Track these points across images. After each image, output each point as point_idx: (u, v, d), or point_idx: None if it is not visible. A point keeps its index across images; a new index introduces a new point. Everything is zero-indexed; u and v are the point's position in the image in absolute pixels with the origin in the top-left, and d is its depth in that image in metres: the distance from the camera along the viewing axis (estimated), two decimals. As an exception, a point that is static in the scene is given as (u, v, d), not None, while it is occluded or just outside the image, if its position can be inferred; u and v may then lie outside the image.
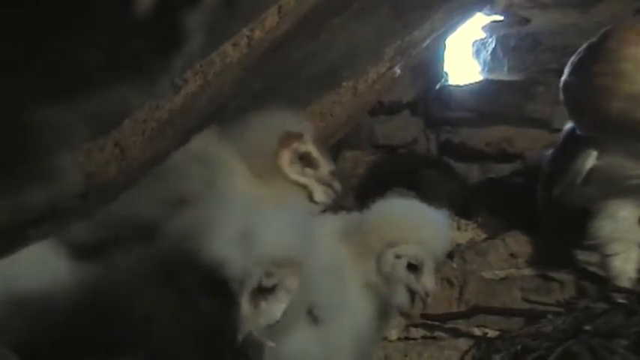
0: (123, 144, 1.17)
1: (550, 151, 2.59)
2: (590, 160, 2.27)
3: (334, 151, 2.97)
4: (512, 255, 2.53)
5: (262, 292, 1.23)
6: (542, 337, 1.97)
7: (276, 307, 1.24)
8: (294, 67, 1.74)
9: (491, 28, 3.46)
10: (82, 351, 1.28)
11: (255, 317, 1.21)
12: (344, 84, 1.97)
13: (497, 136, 3.25)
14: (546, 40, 3.29)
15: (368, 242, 1.61)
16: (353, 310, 1.58)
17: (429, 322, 2.26)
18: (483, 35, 3.49)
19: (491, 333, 2.20)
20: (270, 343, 1.23)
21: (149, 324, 1.29)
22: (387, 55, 1.99)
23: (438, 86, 3.36)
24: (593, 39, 2.30)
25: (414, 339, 2.24)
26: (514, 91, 3.27)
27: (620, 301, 2.05)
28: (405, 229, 1.63)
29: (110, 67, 0.60)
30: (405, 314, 1.72)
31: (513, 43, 3.37)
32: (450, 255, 2.41)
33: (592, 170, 2.28)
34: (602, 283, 2.32)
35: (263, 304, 1.23)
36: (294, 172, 1.66)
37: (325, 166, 1.70)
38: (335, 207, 1.79)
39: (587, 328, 1.88)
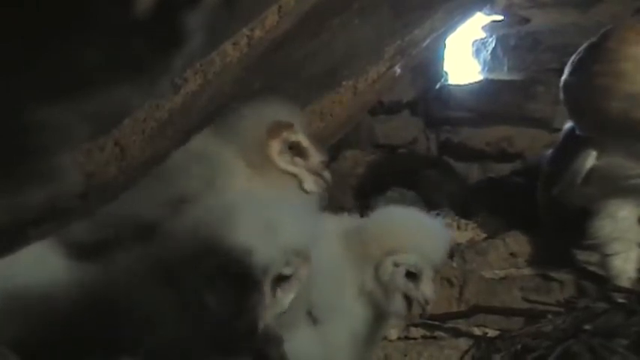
0: (123, 143, 1.17)
1: (550, 151, 2.59)
2: (590, 159, 2.27)
3: (334, 151, 2.97)
4: (512, 254, 2.53)
5: (279, 280, 1.23)
6: (542, 336, 1.97)
7: (286, 297, 1.25)
8: (294, 67, 1.74)
9: (491, 27, 3.46)
10: (82, 351, 1.28)
11: (274, 306, 1.21)
12: (344, 83, 1.97)
13: (497, 136, 3.25)
14: (546, 39, 3.29)
15: (367, 250, 1.62)
16: (351, 311, 1.59)
17: (429, 321, 2.25)
18: (483, 35, 3.49)
19: (491, 332, 2.20)
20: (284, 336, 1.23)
21: (150, 323, 1.29)
22: (387, 55, 1.99)
23: (438, 86, 3.36)
24: (594, 39, 2.30)
25: (414, 338, 2.24)
26: (514, 90, 3.27)
27: (620, 300, 2.05)
28: (403, 237, 1.63)
29: (110, 67, 0.60)
30: (409, 318, 1.72)
31: (513, 43, 3.37)
32: (450, 254, 2.41)
33: (592, 170, 2.28)
34: (602, 282, 2.32)
35: (279, 292, 1.23)
36: (283, 162, 1.65)
37: (315, 156, 1.69)
38: (335, 207, 1.79)
39: (587, 327, 1.88)
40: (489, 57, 3.44)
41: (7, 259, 1.16)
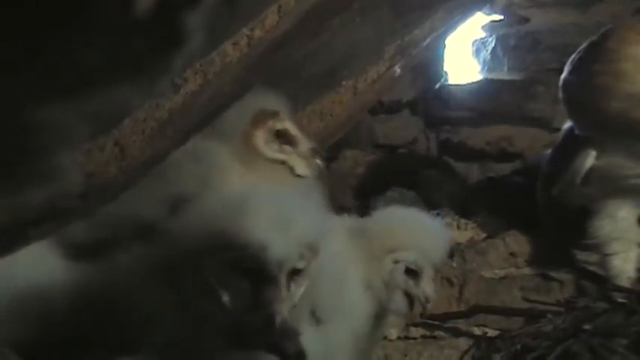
0: (123, 143, 1.17)
1: (549, 151, 2.59)
2: (589, 159, 2.27)
3: (334, 151, 2.97)
4: (512, 254, 2.53)
5: (293, 274, 1.24)
6: (542, 336, 1.97)
7: (297, 291, 1.25)
8: (294, 67, 1.74)
9: (491, 27, 3.46)
10: (82, 351, 1.28)
11: (289, 299, 1.22)
12: (344, 83, 1.97)
13: (497, 136, 3.25)
14: (546, 39, 3.29)
15: (370, 248, 1.63)
16: (353, 310, 1.59)
17: (429, 321, 2.26)
18: (483, 35, 3.49)
19: (491, 332, 2.20)
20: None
21: (150, 323, 1.29)
22: (387, 55, 1.99)
23: (437, 86, 3.36)
24: (594, 38, 2.30)
25: (414, 338, 2.24)
26: (514, 90, 3.27)
27: (620, 300, 2.05)
28: (403, 236, 1.65)
29: (110, 67, 0.60)
30: (409, 316, 1.72)
31: (513, 43, 3.37)
32: (450, 254, 2.41)
33: (591, 170, 2.28)
34: (602, 282, 2.32)
35: (292, 286, 1.24)
36: (271, 150, 1.64)
37: (304, 143, 1.67)
38: (335, 207, 1.79)
39: (587, 327, 1.88)
40: (489, 57, 3.44)
41: (7, 259, 1.16)
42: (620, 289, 2.17)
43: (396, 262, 1.62)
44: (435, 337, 2.25)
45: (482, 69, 3.47)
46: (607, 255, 2.31)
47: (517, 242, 2.55)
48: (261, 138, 1.62)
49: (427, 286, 1.65)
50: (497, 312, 2.28)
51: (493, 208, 2.77)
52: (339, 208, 1.96)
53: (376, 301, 1.64)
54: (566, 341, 1.86)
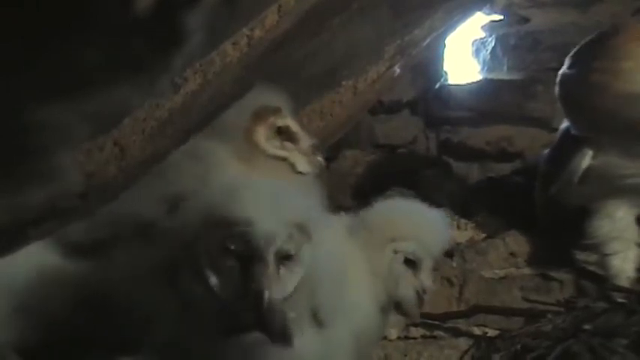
0: (123, 143, 1.17)
1: (547, 151, 2.59)
2: (586, 159, 2.27)
3: (334, 151, 2.97)
4: (512, 254, 2.53)
5: (282, 258, 1.24)
6: (542, 336, 1.97)
7: (290, 278, 1.26)
8: (294, 67, 1.74)
9: (491, 27, 3.46)
10: (83, 350, 1.28)
11: (278, 281, 1.22)
12: (344, 83, 1.97)
13: (497, 136, 3.25)
14: (546, 39, 3.29)
15: (371, 239, 1.63)
16: (355, 309, 1.59)
17: (429, 321, 2.26)
18: (483, 34, 3.49)
19: (491, 332, 2.20)
20: (292, 314, 1.24)
21: (150, 322, 1.29)
22: (386, 55, 1.99)
23: (437, 85, 3.36)
24: (596, 34, 2.28)
25: (414, 338, 2.24)
26: (514, 90, 3.27)
27: (620, 300, 2.05)
28: (403, 226, 1.65)
29: (110, 66, 0.60)
30: (406, 312, 1.73)
31: (513, 43, 3.37)
32: (450, 254, 2.41)
33: (588, 169, 2.27)
34: (602, 282, 2.32)
35: (282, 270, 1.24)
36: (272, 147, 1.64)
37: (306, 140, 1.67)
38: (335, 207, 1.79)
39: (586, 327, 1.88)
40: (489, 57, 3.44)
41: (7, 258, 1.16)
42: (620, 289, 2.17)
43: (396, 252, 1.63)
44: (435, 337, 2.25)
45: (482, 69, 3.47)
46: (606, 255, 2.31)
47: (517, 242, 2.55)
48: (262, 134, 1.62)
49: (425, 278, 1.65)
50: (497, 312, 2.28)
51: (493, 208, 2.77)
52: (338, 208, 1.95)
53: (383, 293, 1.64)
54: (566, 341, 1.86)
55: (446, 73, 3.39)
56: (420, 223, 1.67)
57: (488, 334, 2.18)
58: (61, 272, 1.41)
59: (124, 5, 0.54)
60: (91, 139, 1.08)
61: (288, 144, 1.65)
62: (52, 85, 0.60)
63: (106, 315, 1.31)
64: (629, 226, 2.30)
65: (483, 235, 2.65)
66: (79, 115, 0.65)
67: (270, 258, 1.21)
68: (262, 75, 1.54)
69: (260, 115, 1.62)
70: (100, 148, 1.13)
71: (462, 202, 2.83)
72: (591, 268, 2.44)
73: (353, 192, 2.97)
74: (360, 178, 3.06)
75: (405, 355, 2.18)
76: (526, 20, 3.37)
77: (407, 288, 1.65)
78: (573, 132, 2.31)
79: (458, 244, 2.54)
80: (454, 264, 2.44)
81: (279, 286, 1.23)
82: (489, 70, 3.44)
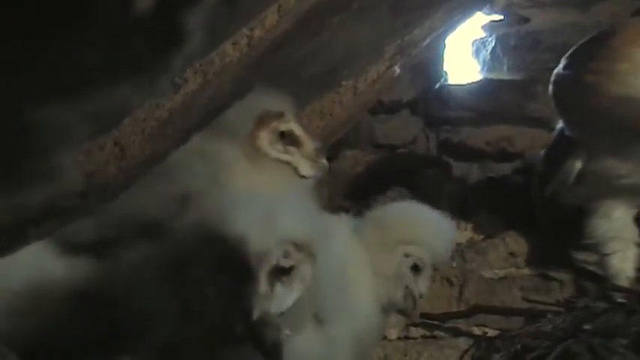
0: (123, 143, 1.17)
1: (543, 151, 2.59)
2: (580, 160, 2.27)
3: (334, 151, 2.97)
4: (512, 254, 2.53)
5: (279, 273, 1.24)
6: (542, 336, 1.97)
7: (289, 294, 1.25)
8: (294, 67, 1.74)
9: (491, 27, 3.46)
10: (83, 350, 1.28)
11: (271, 298, 1.22)
12: (344, 83, 1.97)
13: (497, 136, 3.24)
14: (546, 39, 3.29)
15: (381, 238, 1.64)
16: (356, 309, 1.59)
17: (429, 321, 2.26)
18: (483, 34, 3.49)
19: (491, 332, 2.20)
20: (287, 331, 1.24)
21: (151, 322, 1.29)
22: (386, 55, 1.99)
23: (437, 85, 3.36)
24: (594, 34, 2.28)
25: (414, 338, 2.24)
26: (514, 90, 3.27)
27: (620, 300, 2.05)
28: (417, 230, 1.66)
29: (110, 66, 0.60)
30: (404, 313, 1.73)
31: (513, 43, 3.37)
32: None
33: (583, 170, 2.27)
34: (602, 282, 2.31)
35: (278, 286, 1.23)
36: (275, 151, 1.65)
37: (309, 144, 1.68)
38: (335, 207, 1.79)
39: (586, 327, 1.88)
40: (489, 57, 3.44)
41: (7, 258, 1.16)
42: (620, 289, 2.17)
43: (407, 255, 1.64)
44: (435, 337, 2.25)
45: (482, 69, 3.47)
46: (605, 255, 2.31)
47: (517, 242, 2.55)
48: (265, 139, 1.64)
49: (423, 284, 1.68)
50: (497, 312, 2.28)
51: (493, 208, 2.76)
52: (338, 208, 1.95)
53: (384, 293, 1.64)
54: (566, 341, 1.86)
55: (446, 73, 3.39)
56: (432, 230, 1.69)
57: (488, 334, 2.18)
58: (62, 271, 1.41)
59: (124, 5, 0.54)
60: (91, 139, 1.08)
61: (291, 148, 1.67)
62: (52, 85, 0.60)
63: (107, 314, 1.31)
64: (627, 225, 2.30)
65: (483, 235, 2.66)
66: (79, 115, 0.65)
67: (262, 276, 1.21)
68: (262, 75, 1.54)
69: (263, 119, 1.64)
70: (100, 148, 1.13)
71: (461, 202, 2.83)
72: (591, 268, 2.44)
73: (353, 192, 2.97)
74: (360, 178, 3.06)
75: (405, 355, 2.18)
76: (526, 20, 3.36)
77: (406, 291, 1.66)
78: (567, 133, 2.32)
79: (458, 244, 2.54)
80: (454, 264, 2.44)
81: (275, 301, 1.23)
82: (489, 70, 3.44)
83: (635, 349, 1.79)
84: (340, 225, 1.67)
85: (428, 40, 2.05)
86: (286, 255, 1.24)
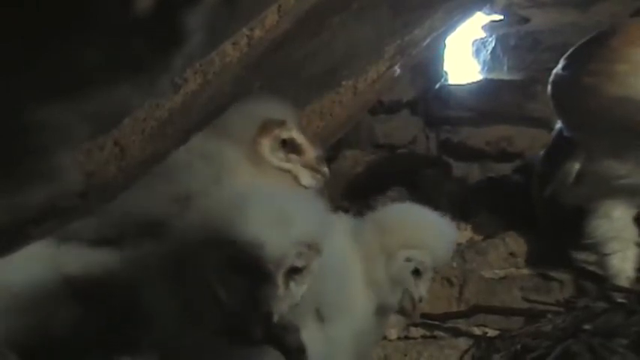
0: (123, 143, 1.17)
1: (542, 151, 2.59)
2: (580, 160, 2.27)
3: (334, 151, 2.97)
4: (512, 254, 2.53)
5: (292, 273, 1.24)
6: (542, 336, 1.97)
7: (299, 289, 1.25)
8: (294, 66, 1.74)
9: (491, 27, 3.46)
10: (83, 350, 1.28)
11: (287, 299, 1.22)
12: (344, 83, 1.97)
13: (497, 136, 3.25)
14: (546, 39, 3.29)
15: (382, 240, 1.64)
16: (355, 307, 1.59)
17: (429, 321, 2.26)
18: (483, 34, 3.49)
19: (491, 332, 2.20)
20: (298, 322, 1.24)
21: (155, 321, 1.30)
22: (386, 55, 1.99)
23: (437, 85, 3.36)
24: (591, 36, 2.28)
25: (414, 338, 2.24)
26: (514, 90, 3.27)
27: (620, 300, 2.05)
28: (418, 234, 1.66)
29: (110, 66, 0.60)
30: (404, 313, 1.74)
31: (513, 43, 3.37)
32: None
33: (583, 170, 2.27)
34: (602, 282, 2.32)
35: (292, 284, 1.24)
36: (276, 159, 1.66)
37: (311, 152, 1.69)
38: (335, 207, 1.79)
39: (586, 327, 1.88)
40: (489, 57, 3.44)
41: (7, 258, 1.16)
42: (620, 289, 2.17)
43: (408, 260, 1.63)
44: (435, 337, 2.25)
45: (482, 69, 3.47)
46: (605, 255, 2.31)
47: (517, 242, 2.55)
48: (267, 146, 1.64)
49: (423, 288, 1.67)
50: (497, 312, 2.28)
51: (493, 208, 2.77)
52: (338, 208, 1.95)
53: (378, 296, 1.64)
54: (566, 341, 1.86)
55: (446, 73, 3.39)
56: (433, 233, 1.68)
57: (488, 334, 2.19)
58: (62, 272, 1.41)
59: (124, 5, 0.54)
60: (91, 139, 1.08)
61: (292, 156, 1.67)
62: (52, 85, 0.60)
63: (108, 313, 1.31)
64: (626, 225, 2.30)
65: (483, 235, 2.66)
66: (79, 115, 0.65)
67: (280, 279, 1.21)
68: (262, 75, 1.54)
69: (266, 127, 1.64)
70: (100, 148, 1.13)
71: (461, 202, 2.83)
72: (591, 268, 2.44)
73: (353, 192, 2.97)
74: (360, 178, 3.06)
75: (405, 355, 2.18)
76: (526, 20, 3.37)
77: (406, 295, 1.66)
78: (566, 133, 2.32)
79: (458, 244, 2.53)
80: (454, 264, 2.44)
81: (289, 299, 1.23)
82: (489, 70, 3.44)
83: (635, 349, 1.79)
84: (339, 224, 1.67)
85: (428, 40, 2.05)
86: (300, 255, 1.24)
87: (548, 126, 3.07)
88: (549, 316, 2.07)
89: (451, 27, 2.17)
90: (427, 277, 1.68)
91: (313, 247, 1.27)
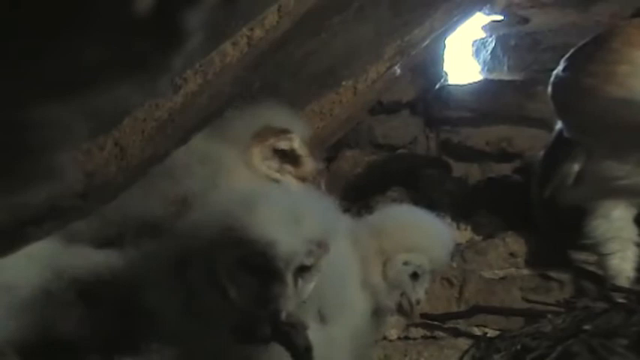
0: (123, 143, 1.17)
1: (542, 152, 2.59)
2: (579, 161, 2.27)
3: (334, 151, 2.97)
4: (512, 254, 2.53)
5: (300, 271, 1.24)
6: (542, 336, 1.97)
7: (307, 286, 1.26)
8: (294, 67, 1.74)
9: (491, 27, 3.46)
10: (83, 350, 1.28)
11: (295, 297, 1.22)
12: (344, 83, 1.97)
13: (497, 136, 3.24)
14: (546, 39, 3.28)
15: (380, 244, 1.64)
16: (354, 307, 1.60)
17: (429, 321, 2.26)
18: (483, 35, 3.49)
19: (491, 332, 2.20)
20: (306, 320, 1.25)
21: (157, 321, 1.30)
22: (386, 55, 1.99)
23: (437, 86, 3.36)
24: (592, 37, 2.28)
25: (414, 338, 2.24)
26: (514, 90, 3.27)
27: (620, 300, 2.04)
28: (417, 238, 1.66)
29: (110, 66, 0.60)
30: (402, 315, 1.74)
31: (513, 43, 3.37)
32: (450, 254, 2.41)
33: (582, 171, 2.27)
34: (602, 282, 2.31)
35: (300, 282, 1.24)
36: (265, 167, 1.66)
37: (309, 165, 1.69)
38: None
39: (586, 327, 1.88)
40: (489, 57, 3.44)
41: (7, 258, 1.16)
42: (620, 289, 2.16)
43: (406, 263, 1.64)
44: (435, 337, 2.25)
45: (483, 69, 3.47)
46: (604, 255, 2.31)
47: (517, 242, 2.55)
48: (258, 154, 1.65)
49: (421, 291, 1.68)
50: (497, 312, 2.28)
51: (493, 208, 2.76)
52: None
53: (375, 299, 1.65)
54: (565, 341, 1.86)
55: (446, 73, 3.39)
56: (431, 236, 1.69)
57: (488, 334, 2.18)
58: (62, 272, 1.41)
59: (124, 5, 0.54)
60: (91, 139, 1.08)
61: (287, 167, 1.67)
62: (52, 85, 0.60)
63: (111, 312, 1.31)
64: (626, 225, 2.30)
65: (483, 235, 2.66)
66: (79, 115, 0.65)
67: (289, 277, 1.21)
68: (262, 75, 1.54)
69: (260, 135, 1.65)
70: (100, 148, 1.13)
71: (462, 202, 2.83)
72: (591, 268, 2.44)
73: (353, 192, 2.97)
74: (360, 178, 3.06)
75: (405, 355, 2.18)
76: (526, 20, 3.36)
77: (404, 297, 1.66)
78: (565, 134, 2.32)
79: (458, 244, 2.53)
80: (454, 264, 2.44)
81: (298, 297, 1.23)
82: (489, 70, 3.44)
83: (635, 349, 1.79)
84: (344, 224, 1.67)
85: (428, 40, 2.06)
86: (309, 253, 1.25)
87: (548, 126, 3.07)
88: (549, 316, 2.06)
89: (451, 27, 2.17)
90: (425, 280, 1.68)
91: (322, 246, 1.27)
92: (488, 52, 3.44)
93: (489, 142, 3.25)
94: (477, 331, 2.25)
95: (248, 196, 1.28)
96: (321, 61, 1.81)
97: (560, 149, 2.36)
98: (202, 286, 1.27)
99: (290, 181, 1.67)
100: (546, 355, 1.85)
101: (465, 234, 2.65)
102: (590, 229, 2.31)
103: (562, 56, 2.37)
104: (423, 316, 2.22)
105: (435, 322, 2.27)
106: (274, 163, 1.67)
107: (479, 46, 3.49)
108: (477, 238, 2.65)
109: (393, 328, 2.21)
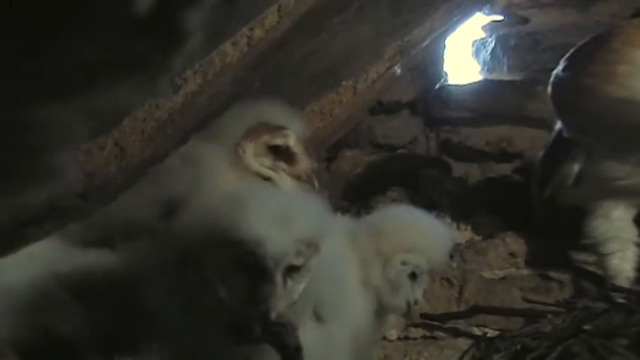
0: (123, 143, 1.17)
1: (542, 152, 2.59)
2: (579, 161, 2.27)
3: (334, 151, 2.97)
4: (512, 254, 2.53)
5: (290, 271, 1.24)
6: (542, 336, 1.97)
7: (297, 287, 1.26)
8: (294, 67, 1.74)
9: (491, 27, 3.46)
10: (83, 350, 1.28)
11: (284, 297, 1.22)
12: (344, 83, 1.97)
13: (497, 136, 3.24)
14: (546, 39, 3.28)
15: (379, 245, 1.64)
16: (353, 308, 1.60)
17: (429, 321, 2.26)
18: (483, 35, 3.49)
19: (491, 332, 2.20)
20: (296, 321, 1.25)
21: (156, 321, 1.30)
22: (386, 55, 1.99)
23: (437, 86, 3.36)
24: (592, 37, 2.28)
25: (414, 339, 2.24)
26: (514, 90, 3.27)
27: (620, 300, 2.04)
28: (415, 238, 1.66)
29: (110, 66, 0.60)
30: (400, 315, 1.75)
31: (513, 43, 3.37)
32: (450, 254, 2.41)
33: (582, 171, 2.27)
34: (602, 282, 2.31)
35: (289, 282, 1.24)
36: (257, 164, 1.64)
37: (304, 163, 1.67)
38: (334, 207, 1.79)
39: (586, 327, 1.88)
40: (489, 57, 3.44)
41: (7, 258, 1.16)
42: (620, 289, 2.16)
43: (404, 263, 1.64)
44: (434, 337, 2.25)
45: (482, 69, 3.47)
46: (604, 255, 2.31)
47: (517, 242, 2.55)
48: (250, 150, 1.63)
49: (419, 291, 1.68)
50: (497, 312, 2.28)
51: (493, 208, 2.76)
52: (338, 208, 1.95)
53: (375, 299, 1.65)
54: (565, 341, 1.86)
55: (446, 73, 3.39)
56: (429, 236, 1.69)
57: (488, 334, 2.18)
58: (62, 272, 1.41)
59: (124, 5, 0.54)
60: (91, 139, 1.08)
61: (281, 164, 1.65)
62: (52, 85, 0.59)
63: (109, 313, 1.31)
64: (626, 225, 2.30)
65: (483, 235, 2.66)
66: (79, 115, 0.65)
67: (279, 277, 1.21)
68: (262, 75, 1.54)
69: (253, 131, 1.63)
70: (100, 148, 1.14)
71: (462, 202, 2.83)
72: (590, 268, 2.44)
73: (353, 192, 2.97)
74: (360, 178, 3.06)
75: (405, 355, 2.18)
76: (526, 20, 3.36)
77: (402, 298, 1.66)
78: (565, 134, 2.32)
79: (458, 244, 2.54)
80: (454, 264, 2.44)
81: (287, 297, 1.23)
82: (489, 70, 3.44)
83: (635, 349, 1.79)
84: (336, 225, 1.67)
85: (428, 40, 2.06)
86: (299, 253, 1.25)
87: (548, 126, 3.07)
88: (549, 316, 2.06)
89: (451, 27, 2.17)
90: (423, 280, 1.68)
91: (312, 246, 1.27)
92: (488, 52, 3.44)
93: (489, 142, 3.25)
94: (476, 331, 2.25)
95: (237, 195, 1.28)
96: (321, 61, 1.81)
97: (560, 149, 2.36)
98: (197, 286, 1.27)
99: (284, 179, 1.65)
100: (546, 355, 1.85)
101: (465, 234, 2.65)
102: (590, 229, 2.31)
103: (562, 56, 2.37)
104: (423, 316, 2.22)
105: (435, 322, 2.27)
106: (267, 160, 1.65)
107: (479, 46, 3.49)
108: (477, 238, 2.65)
109: (393, 328, 2.21)
